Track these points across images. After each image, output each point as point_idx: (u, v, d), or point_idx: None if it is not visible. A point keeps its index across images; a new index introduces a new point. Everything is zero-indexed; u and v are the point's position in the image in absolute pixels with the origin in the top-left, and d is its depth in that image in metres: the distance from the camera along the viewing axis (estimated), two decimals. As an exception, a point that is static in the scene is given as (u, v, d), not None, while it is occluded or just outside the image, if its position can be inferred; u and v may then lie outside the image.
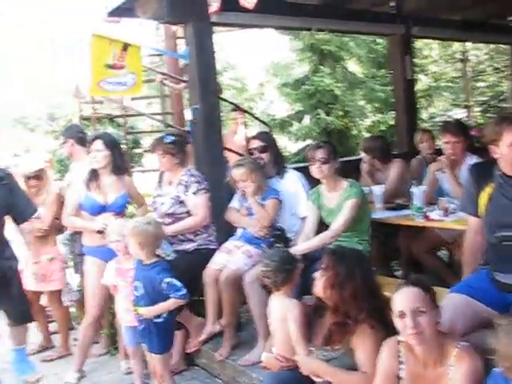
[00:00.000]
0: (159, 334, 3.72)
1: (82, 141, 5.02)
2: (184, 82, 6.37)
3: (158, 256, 3.75)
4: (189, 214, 4.30)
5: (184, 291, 3.62)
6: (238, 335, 4.34)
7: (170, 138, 4.37)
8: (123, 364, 4.59)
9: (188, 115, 4.99)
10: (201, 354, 4.41)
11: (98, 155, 4.36)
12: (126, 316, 4.05)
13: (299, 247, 3.87)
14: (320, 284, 2.98)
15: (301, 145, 14.95)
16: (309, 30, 8.14)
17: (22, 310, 4.49)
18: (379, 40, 13.89)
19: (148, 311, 3.66)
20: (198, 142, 4.78)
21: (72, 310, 5.64)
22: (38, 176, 4.99)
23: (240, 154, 5.83)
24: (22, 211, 4.38)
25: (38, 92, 23.33)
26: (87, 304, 4.47)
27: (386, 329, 2.73)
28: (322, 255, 3.12)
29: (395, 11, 6.88)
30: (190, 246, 4.30)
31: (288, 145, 15.60)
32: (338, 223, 3.93)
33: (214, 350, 4.26)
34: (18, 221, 4.45)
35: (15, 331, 4.51)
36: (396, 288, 2.54)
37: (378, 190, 4.75)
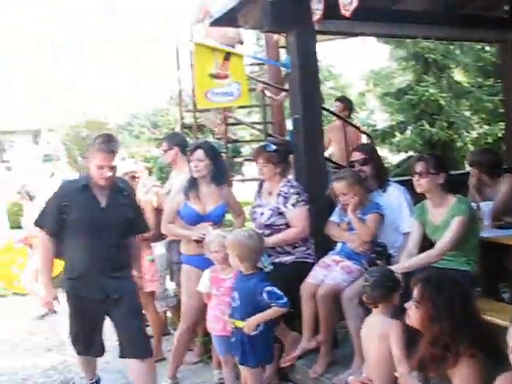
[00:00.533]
0: (253, 347, 3.67)
1: (185, 149, 5.08)
2: (285, 91, 6.33)
3: (256, 267, 3.72)
4: (288, 225, 4.24)
5: (285, 299, 3.59)
6: (333, 352, 4.20)
7: (273, 147, 4.33)
8: (216, 373, 4.57)
9: (289, 125, 4.92)
10: (295, 370, 4.31)
11: (200, 165, 4.38)
12: (215, 325, 4.06)
13: (401, 265, 3.72)
14: (414, 315, 2.81)
15: (402, 156, 14.57)
16: (415, 37, 7.88)
17: (141, 339, 3.98)
18: (487, 47, 13.29)
19: (248, 323, 3.61)
20: (299, 152, 4.69)
21: (169, 315, 5.74)
22: (133, 177, 5.21)
23: (341, 166, 5.71)
24: (136, 225, 4.14)
25: (37, 92, 24.06)
26: (182, 311, 4.50)
27: (487, 356, 2.55)
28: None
29: (508, 15, 6.48)
30: (287, 259, 4.24)
31: (388, 156, 15.24)
32: (443, 242, 3.72)
33: (308, 367, 4.15)
34: (132, 233, 4.19)
35: (133, 368, 4.00)
36: (511, 320, 2.32)
37: (486, 207, 4.49)
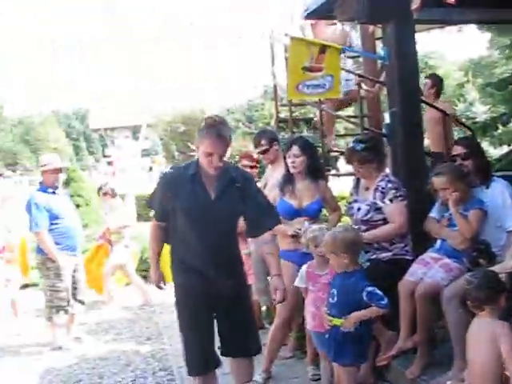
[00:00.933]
0: (348, 345, 3.60)
1: (280, 143, 5.10)
2: (382, 83, 6.18)
3: (357, 264, 3.65)
4: (385, 221, 4.15)
5: (386, 300, 3.49)
6: (431, 353, 4.07)
7: (361, 146, 4.23)
8: (310, 369, 4.54)
9: (387, 118, 4.80)
10: (390, 369, 4.21)
11: (296, 160, 4.40)
12: (311, 321, 4.03)
13: (506, 264, 3.53)
14: None
15: (505, 150, 13.91)
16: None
17: (248, 340, 3.74)
18: None
19: (347, 320, 3.55)
20: (396, 146, 4.58)
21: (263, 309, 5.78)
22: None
23: (442, 160, 5.50)
24: (253, 222, 3.69)
25: (38, 92, 24.49)
26: (278, 306, 4.49)
27: None
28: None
29: None
30: (384, 255, 4.15)
31: (489, 150, 14.60)
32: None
33: (404, 367, 4.04)
34: (248, 233, 3.89)
35: (237, 364, 3.79)
36: None
37: None
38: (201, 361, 3.66)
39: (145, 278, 8.01)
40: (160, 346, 5.91)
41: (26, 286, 8.26)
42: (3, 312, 7.06)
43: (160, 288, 3.89)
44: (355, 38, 6.90)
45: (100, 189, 8.05)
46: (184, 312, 3.69)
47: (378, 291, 3.49)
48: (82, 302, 6.21)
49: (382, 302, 3.47)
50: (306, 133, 9.41)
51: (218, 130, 3.42)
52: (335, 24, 6.56)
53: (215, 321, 3.72)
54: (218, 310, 3.67)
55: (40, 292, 7.50)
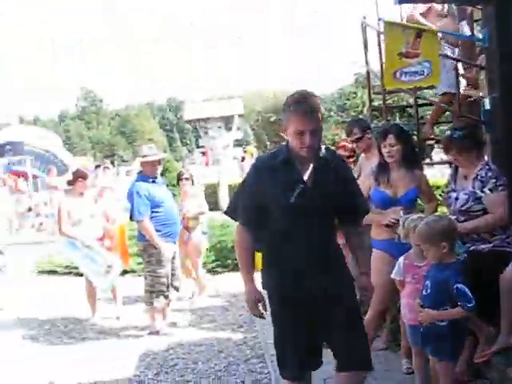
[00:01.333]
0: (441, 339, 3.49)
1: (372, 132, 5.01)
2: (480, 67, 5.92)
3: (453, 255, 3.52)
4: (485, 211, 3.98)
5: (473, 303, 3.32)
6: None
7: (458, 133, 4.07)
8: (404, 363, 4.45)
9: (487, 104, 4.59)
10: (490, 367, 4.03)
11: (392, 150, 4.32)
12: (408, 314, 3.94)
13: None
14: None
15: None
16: None
17: (359, 352, 3.18)
18: None
19: (428, 314, 3.47)
20: (497, 133, 4.38)
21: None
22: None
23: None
24: (346, 210, 3.25)
25: (38, 92, 24.42)
26: (372, 297, 4.43)
27: None
28: None
29: None
30: (484, 247, 3.98)
31: None
32: None
33: (506, 365, 3.84)
34: (341, 223, 3.39)
35: (349, 379, 3.23)
36: None
37: None
38: (294, 366, 3.23)
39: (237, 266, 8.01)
40: (252, 334, 5.98)
41: (125, 273, 8.56)
42: (105, 297, 7.39)
43: (261, 317, 3.35)
44: (467, 29, 6.63)
45: (180, 174, 8.16)
46: (280, 323, 3.25)
47: (468, 292, 3.32)
48: (176, 289, 6.37)
49: (468, 305, 3.32)
50: (398, 121, 9.16)
51: (307, 103, 3.01)
52: (445, 16, 6.35)
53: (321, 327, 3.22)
54: (320, 315, 3.17)
55: (138, 278, 7.80)
